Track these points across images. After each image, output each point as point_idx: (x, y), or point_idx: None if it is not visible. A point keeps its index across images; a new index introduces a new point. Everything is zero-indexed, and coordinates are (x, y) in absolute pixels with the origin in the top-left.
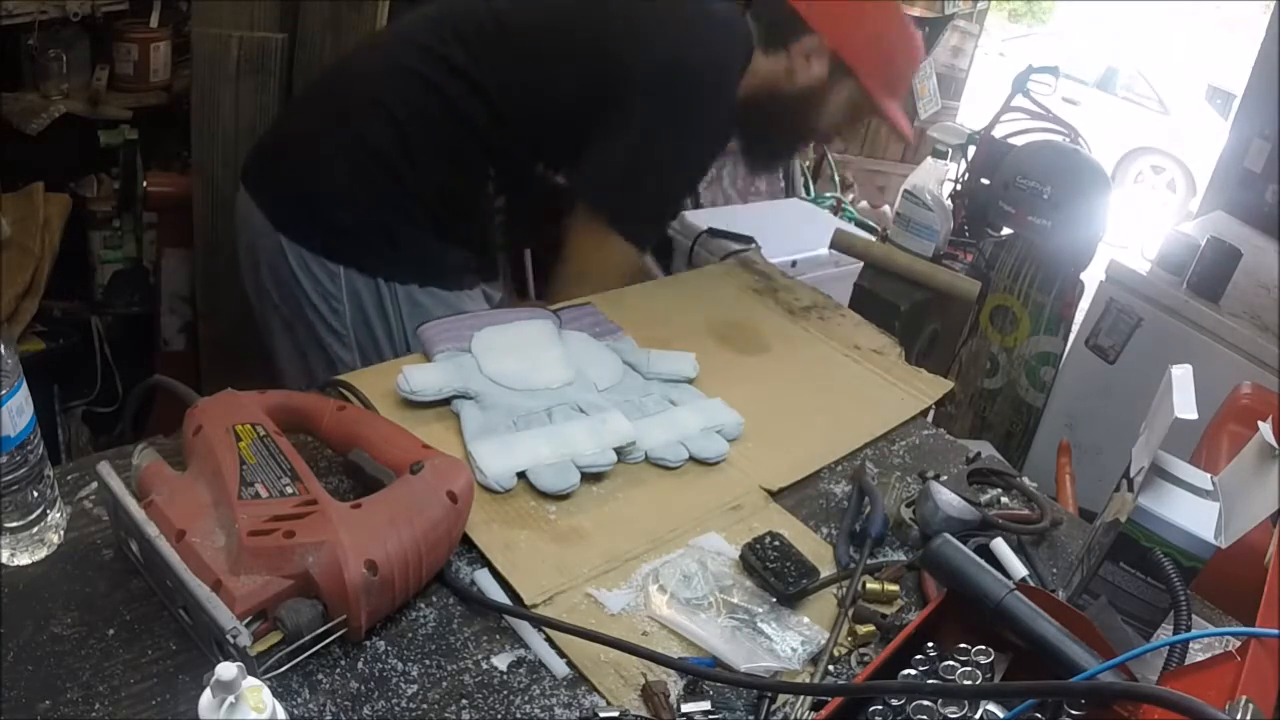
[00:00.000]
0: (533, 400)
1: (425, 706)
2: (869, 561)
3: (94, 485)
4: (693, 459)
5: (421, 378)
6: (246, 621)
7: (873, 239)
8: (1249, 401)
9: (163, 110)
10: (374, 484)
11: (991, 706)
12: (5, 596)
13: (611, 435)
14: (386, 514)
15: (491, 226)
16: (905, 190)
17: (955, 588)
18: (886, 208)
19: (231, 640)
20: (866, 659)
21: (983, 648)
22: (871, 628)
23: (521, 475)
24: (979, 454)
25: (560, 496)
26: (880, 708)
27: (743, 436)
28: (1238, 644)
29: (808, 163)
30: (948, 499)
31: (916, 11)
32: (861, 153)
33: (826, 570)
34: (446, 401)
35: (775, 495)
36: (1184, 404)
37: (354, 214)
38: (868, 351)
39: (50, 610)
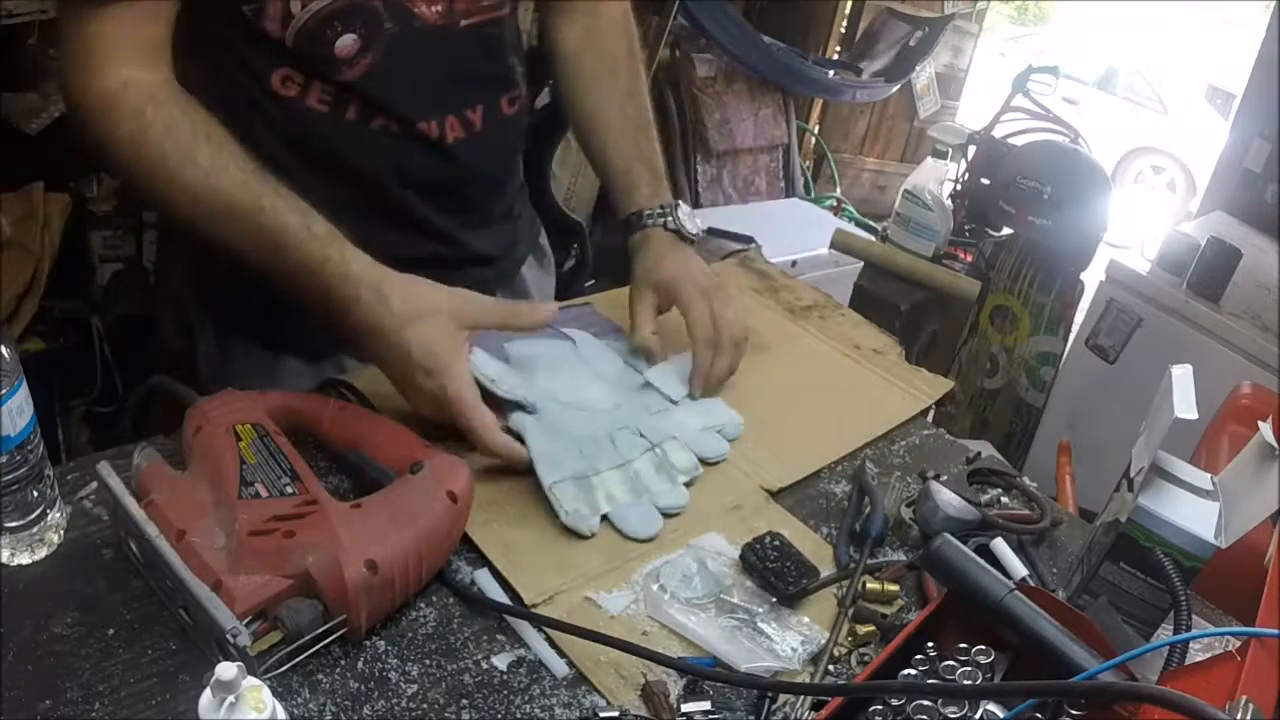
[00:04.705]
0: (591, 423)
1: (425, 706)
2: (869, 561)
3: (94, 485)
4: None
5: (496, 368)
6: (246, 621)
7: (873, 239)
8: (1249, 401)
9: None
10: (374, 484)
11: (991, 706)
12: (5, 596)
13: (678, 470)
14: (386, 514)
15: None
16: (905, 190)
17: (955, 588)
18: None
19: (231, 640)
20: (866, 659)
21: (983, 648)
22: (871, 628)
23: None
24: (979, 454)
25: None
26: (880, 708)
27: (743, 436)
28: (1238, 644)
29: (808, 163)
30: (948, 499)
31: (911, 10)
32: (861, 152)
33: (826, 570)
34: None
35: (775, 495)
36: (1184, 404)
37: None
38: (868, 351)
39: (50, 610)
